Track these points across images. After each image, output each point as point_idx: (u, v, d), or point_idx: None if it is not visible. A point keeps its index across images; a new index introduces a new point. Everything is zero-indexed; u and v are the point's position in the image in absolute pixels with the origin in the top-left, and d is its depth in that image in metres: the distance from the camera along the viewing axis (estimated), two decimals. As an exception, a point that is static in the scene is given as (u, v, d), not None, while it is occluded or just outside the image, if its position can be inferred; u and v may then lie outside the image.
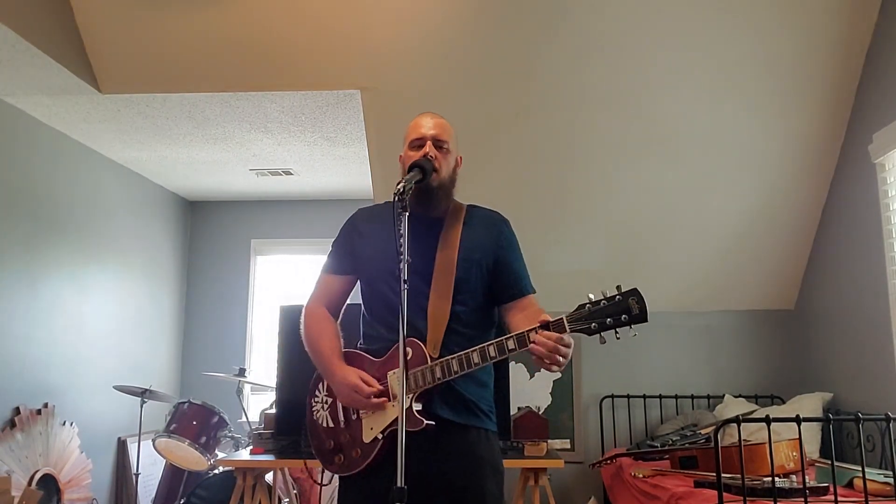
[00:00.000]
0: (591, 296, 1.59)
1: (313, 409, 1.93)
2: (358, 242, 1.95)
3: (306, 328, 1.94)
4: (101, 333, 4.69)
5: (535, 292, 1.91)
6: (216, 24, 3.44)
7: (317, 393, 1.93)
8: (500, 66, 3.57)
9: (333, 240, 2.02)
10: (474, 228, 1.91)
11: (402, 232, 1.61)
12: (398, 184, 1.67)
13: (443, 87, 3.64)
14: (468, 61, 3.56)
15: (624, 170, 3.90)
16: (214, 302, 5.88)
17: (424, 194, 1.81)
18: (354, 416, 1.83)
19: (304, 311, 1.97)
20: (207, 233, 5.99)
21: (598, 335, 1.57)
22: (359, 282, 1.98)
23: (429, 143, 1.86)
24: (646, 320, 1.53)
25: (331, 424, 1.87)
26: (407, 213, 1.63)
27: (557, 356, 1.56)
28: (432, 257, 1.84)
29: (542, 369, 4.84)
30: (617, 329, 1.56)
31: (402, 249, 1.60)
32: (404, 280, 1.58)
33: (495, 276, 1.88)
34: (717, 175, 3.89)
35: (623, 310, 1.54)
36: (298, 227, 5.89)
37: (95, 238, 4.67)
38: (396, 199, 1.63)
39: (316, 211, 5.86)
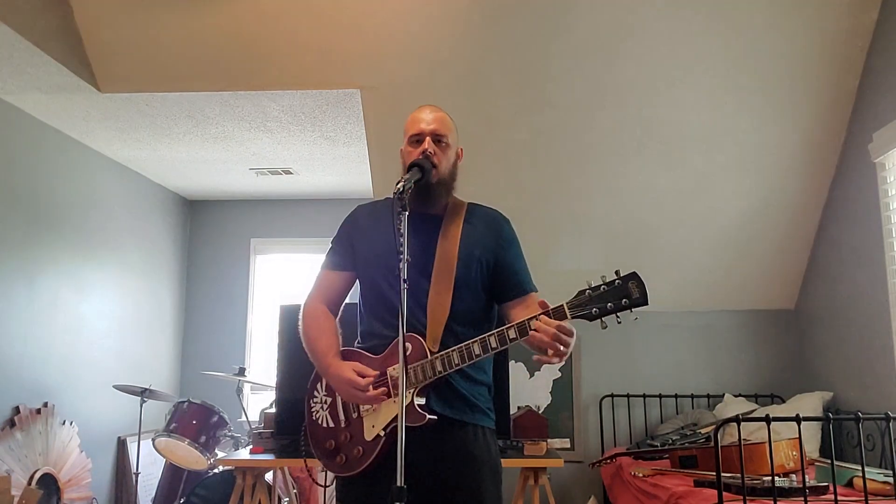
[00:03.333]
0: (591, 282, 1.58)
1: (312, 409, 1.91)
2: (358, 239, 1.93)
3: (305, 326, 1.92)
4: (100, 333, 4.68)
5: (537, 291, 1.89)
6: (215, 24, 3.44)
7: (315, 394, 1.91)
8: (501, 66, 3.57)
9: (333, 236, 2.01)
10: (475, 226, 1.89)
11: (401, 231, 1.60)
12: (398, 183, 1.67)
13: (443, 87, 3.64)
14: (468, 61, 3.56)
15: (624, 169, 3.90)
16: (214, 301, 5.87)
17: (423, 192, 1.79)
18: (355, 415, 1.81)
19: (302, 308, 1.95)
20: (207, 232, 5.99)
21: (599, 320, 1.56)
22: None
23: (427, 139, 1.84)
24: (646, 303, 1.53)
25: (331, 424, 1.85)
26: (406, 213, 1.62)
27: (558, 344, 1.54)
28: (432, 253, 1.83)
29: (542, 368, 4.76)
30: (618, 314, 1.55)
31: (401, 249, 1.59)
32: (404, 279, 1.58)
33: (496, 274, 1.87)
34: (716, 174, 3.89)
35: (623, 294, 1.54)
36: (298, 227, 5.88)
37: (94, 237, 4.66)
38: (396, 198, 1.63)
39: (315, 210, 5.86)
